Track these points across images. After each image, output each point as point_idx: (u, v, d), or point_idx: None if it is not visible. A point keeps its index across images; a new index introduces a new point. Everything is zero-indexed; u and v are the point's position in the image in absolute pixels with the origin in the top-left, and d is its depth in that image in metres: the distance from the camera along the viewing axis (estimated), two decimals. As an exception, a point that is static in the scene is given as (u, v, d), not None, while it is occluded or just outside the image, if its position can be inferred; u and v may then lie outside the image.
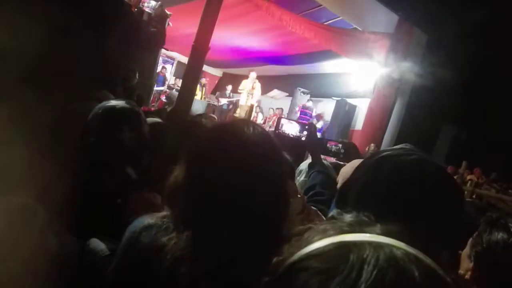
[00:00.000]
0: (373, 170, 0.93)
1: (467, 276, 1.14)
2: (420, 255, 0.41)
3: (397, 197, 0.86)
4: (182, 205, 0.81)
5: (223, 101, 12.52)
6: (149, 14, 6.22)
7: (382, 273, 0.38)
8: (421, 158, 0.92)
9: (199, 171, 0.80)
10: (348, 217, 0.50)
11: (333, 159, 2.36)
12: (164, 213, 0.85)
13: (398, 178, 0.88)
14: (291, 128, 1.99)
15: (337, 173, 1.79)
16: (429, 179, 0.88)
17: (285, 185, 0.88)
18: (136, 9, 6.19)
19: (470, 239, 1.20)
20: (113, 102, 1.50)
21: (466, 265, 1.17)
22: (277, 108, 12.18)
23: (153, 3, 6.62)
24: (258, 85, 11.07)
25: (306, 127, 1.97)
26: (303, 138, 1.94)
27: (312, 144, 1.91)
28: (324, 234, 0.46)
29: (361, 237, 0.43)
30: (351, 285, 0.38)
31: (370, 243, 0.42)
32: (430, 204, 0.85)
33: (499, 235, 1.13)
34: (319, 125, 10.86)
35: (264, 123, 12.22)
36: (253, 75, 11.00)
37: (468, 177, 7.24)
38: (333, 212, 1.56)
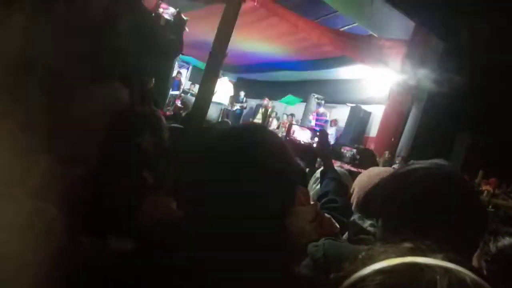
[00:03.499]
0: (401, 180, 0.95)
1: None
2: (486, 284, 0.44)
3: (420, 209, 0.87)
4: (194, 207, 0.82)
5: (237, 106, 12.59)
6: (167, 20, 6.28)
7: None
8: (450, 173, 0.92)
9: (210, 172, 0.81)
10: (407, 243, 0.52)
11: (347, 166, 2.36)
12: (178, 214, 0.86)
13: (424, 190, 0.90)
14: (302, 135, 2.00)
15: (353, 180, 1.79)
16: (455, 196, 0.89)
17: (293, 190, 0.88)
18: (153, 14, 6.27)
19: (476, 254, 1.20)
20: (136, 106, 1.54)
21: None
22: (290, 114, 12.21)
23: (172, 10, 6.69)
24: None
25: (318, 133, 1.97)
26: (314, 145, 1.95)
27: (323, 151, 1.91)
28: (388, 254, 0.48)
29: (430, 260, 0.46)
30: None
31: (440, 266, 0.44)
32: (451, 218, 0.85)
33: (507, 239, 1.15)
34: (332, 130, 10.81)
35: (278, 128, 12.25)
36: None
37: (484, 188, 7.11)
38: (354, 216, 1.57)
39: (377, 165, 2.24)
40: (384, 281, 0.45)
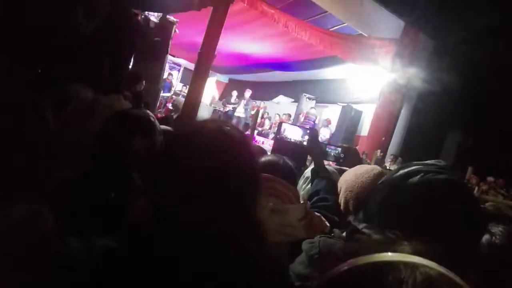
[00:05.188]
0: (399, 182, 0.94)
1: None
2: (452, 276, 0.44)
3: (419, 214, 0.88)
4: (159, 207, 0.82)
5: (229, 107, 12.55)
6: (155, 22, 6.30)
7: None
8: (450, 178, 0.93)
9: (167, 171, 0.81)
10: (376, 236, 0.53)
11: (332, 164, 2.36)
12: None
13: (423, 195, 0.90)
14: (293, 133, 1.99)
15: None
16: (453, 203, 0.89)
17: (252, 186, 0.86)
18: (142, 17, 6.28)
19: None
20: (129, 109, 1.54)
21: None
22: (284, 114, 12.19)
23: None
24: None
25: (308, 131, 1.96)
26: (305, 143, 1.94)
27: (314, 149, 1.91)
28: (357, 253, 0.49)
29: (396, 257, 0.46)
30: None
31: (405, 264, 0.44)
32: (449, 224, 0.86)
33: (483, 237, 1.15)
34: (326, 131, 10.81)
35: (270, 128, 12.25)
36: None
37: (483, 187, 7.19)
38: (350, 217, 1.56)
39: (361, 163, 2.24)
40: (352, 281, 0.46)
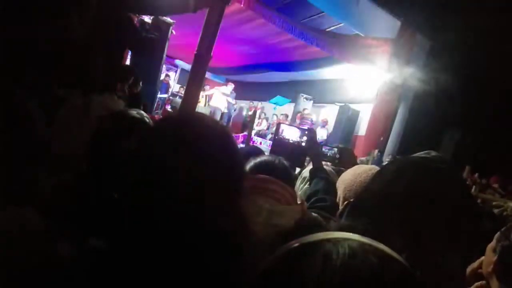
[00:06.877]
0: (393, 178, 0.94)
1: (489, 269, 1.15)
2: (374, 243, 0.45)
3: (413, 208, 0.87)
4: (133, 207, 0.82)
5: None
6: (149, 23, 6.33)
7: (345, 265, 0.42)
8: (444, 173, 0.92)
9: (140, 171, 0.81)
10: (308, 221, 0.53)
11: (328, 164, 2.36)
12: None
13: (416, 191, 0.89)
14: (291, 134, 1.98)
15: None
16: (447, 197, 0.89)
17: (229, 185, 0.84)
18: (138, 19, 6.29)
19: (498, 233, 1.19)
20: (124, 110, 1.53)
21: (489, 258, 1.17)
22: (282, 114, 12.19)
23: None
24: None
25: (306, 132, 1.96)
26: (303, 144, 1.94)
27: (312, 149, 1.91)
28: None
29: (320, 236, 0.47)
30: (316, 281, 0.41)
31: (328, 240, 0.45)
32: (442, 217, 0.86)
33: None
34: (323, 132, 10.81)
35: (267, 129, 12.24)
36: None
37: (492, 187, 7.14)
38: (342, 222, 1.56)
39: (357, 163, 2.25)
40: (280, 268, 0.46)
